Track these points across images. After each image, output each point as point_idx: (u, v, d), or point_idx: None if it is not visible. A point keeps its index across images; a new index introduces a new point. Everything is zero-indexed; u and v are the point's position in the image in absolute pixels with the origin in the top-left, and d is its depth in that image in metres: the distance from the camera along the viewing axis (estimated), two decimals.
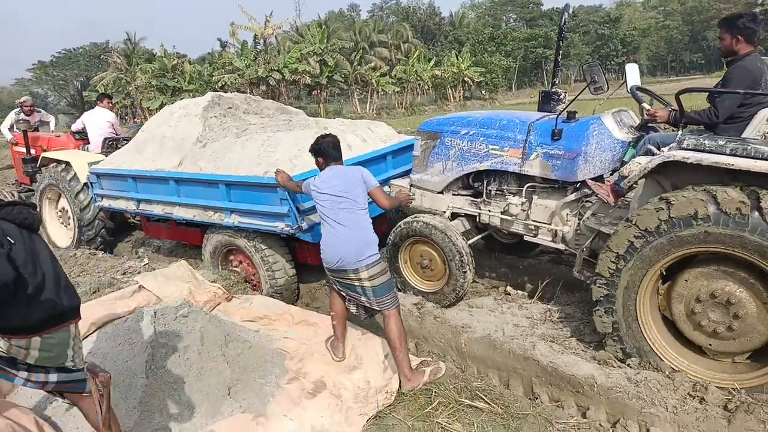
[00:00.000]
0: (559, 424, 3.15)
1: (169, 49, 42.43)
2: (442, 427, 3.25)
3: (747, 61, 3.56)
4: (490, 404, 3.38)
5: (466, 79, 47.27)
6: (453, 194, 4.88)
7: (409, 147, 6.04)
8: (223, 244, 5.52)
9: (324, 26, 40.57)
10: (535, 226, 4.34)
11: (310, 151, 3.93)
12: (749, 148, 2.95)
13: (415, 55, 45.88)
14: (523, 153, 4.24)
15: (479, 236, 5.10)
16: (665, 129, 4.45)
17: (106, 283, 5.53)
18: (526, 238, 4.46)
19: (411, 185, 5.14)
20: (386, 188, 5.47)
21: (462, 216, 4.87)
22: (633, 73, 4.13)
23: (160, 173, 5.71)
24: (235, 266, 5.60)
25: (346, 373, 3.83)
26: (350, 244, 3.61)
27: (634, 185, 3.55)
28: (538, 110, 5.21)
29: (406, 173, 5.91)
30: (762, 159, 2.88)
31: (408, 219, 4.65)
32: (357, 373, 3.81)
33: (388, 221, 6.33)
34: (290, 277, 5.27)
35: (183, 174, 5.52)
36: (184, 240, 6.70)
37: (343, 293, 3.88)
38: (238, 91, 9.61)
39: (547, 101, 5.22)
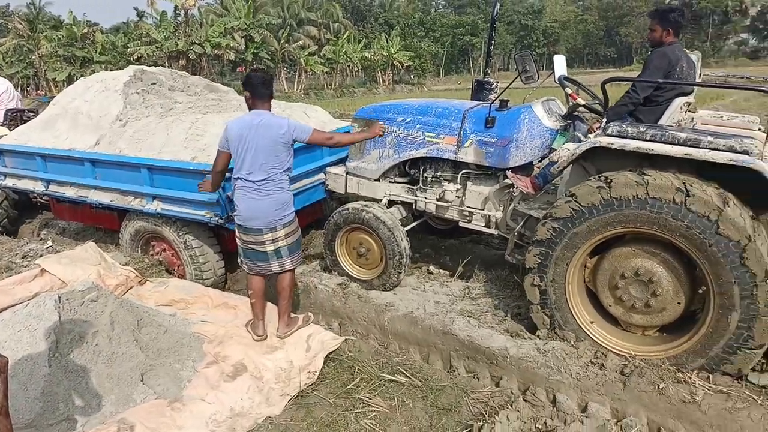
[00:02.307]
0: (474, 394, 3.29)
1: (78, 17, 39.35)
2: (363, 403, 3.31)
3: (668, 48, 3.83)
4: (410, 378, 3.47)
5: (395, 62, 47.43)
6: (390, 182, 4.88)
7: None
8: (145, 230, 5.25)
9: (250, 0, 39.11)
10: (469, 212, 4.44)
11: (243, 82, 3.78)
12: (666, 134, 3.14)
13: (344, 36, 45.40)
14: (458, 140, 4.30)
15: (415, 223, 5.13)
16: (591, 119, 4.67)
17: (3, 268, 5.13)
18: (461, 224, 4.55)
19: (347, 173, 5.09)
20: (321, 176, 5.42)
21: (398, 203, 4.88)
22: (560, 64, 4.26)
23: (74, 153, 5.29)
24: (157, 254, 5.34)
25: (268, 354, 3.79)
26: (269, 205, 3.65)
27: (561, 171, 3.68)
28: (471, 99, 5.32)
29: (342, 161, 5.87)
30: (677, 144, 3.08)
31: (357, 206, 4.58)
32: (279, 354, 3.79)
33: (327, 206, 6.29)
34: (218, 276, 5.09)
35: (101, 155, 5.14)
36: (99, 224, 6.27)
37: (253, 268, 3.89)
38: (155, 65, 9.09)
39: (479, 90, 5.33)
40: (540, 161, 4.26)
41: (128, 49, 35.52)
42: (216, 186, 3.98)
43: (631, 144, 3.19)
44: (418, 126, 4.50)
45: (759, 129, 3.70)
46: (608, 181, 3.18)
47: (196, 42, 35.38)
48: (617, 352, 3.36)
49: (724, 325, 2.97)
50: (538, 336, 3.61)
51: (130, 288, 4.62)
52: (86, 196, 5.36)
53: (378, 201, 4.75)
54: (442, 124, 4.39)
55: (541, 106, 4.20)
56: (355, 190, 5.02)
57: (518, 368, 3.38)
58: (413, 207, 4.81)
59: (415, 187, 4.74)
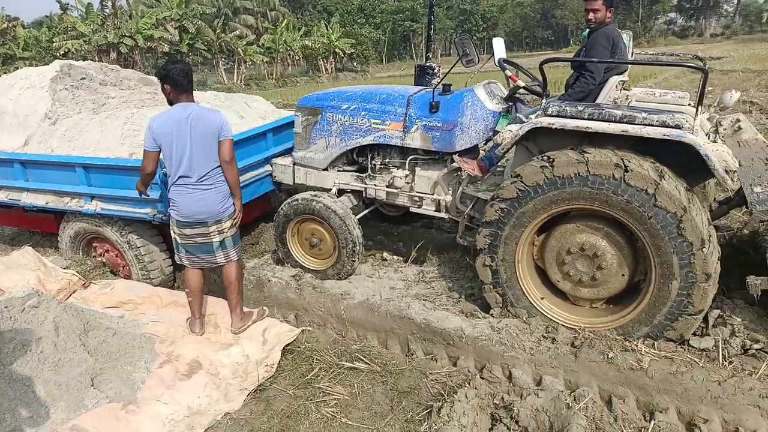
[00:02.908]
0: (433, 375, 3.35)
1: None
2: (323, 392, 3.31)
3: (609, 28, 3.91)
4: (369, 364, 3.49)
5: (337, 50, 46.93)
6: (338, 170, 4.83)
7: (291, 124, 5.85)
8: (85, 232, 5.00)
9: None
10: (419, 197, 4.45)
11: (156, 75, 3.67)
12: (603, 112, 3.23)
13: (283, 24, 44.47)
14: (404, 126, 4.30)
15: (366, 210, 5.11)
16: (532, 100, 4.77)
17: None
18: (411, 209, 4.57)
19: (294, 164, 5.01)
20: (268, 167, 5.31)
21: (349, 192, 4.85)
22: (499, 47, 4.33)
23: (1, 154, 4.99)
24: (100, 255, 5.11)
25: (223, 350, 3.73)
26: (214, 198, 3.60)
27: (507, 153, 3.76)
28: (414, 84, 5.32)
29: (288, 151, 5.76)
30: (614, 122, 3.18)
31: (306, 196, 4.51)
32: (235, 349, 3.73)
33: (276, 198, 6.18)
34: (167, 275, 4.93)
35: (31, 156, 4.86)
36: (35, 228, 5.93)
37: (196, 262, 3.81)
38: (84, 60, 8.62)
39: (422, 75, 5.33)
40: (485, 144, 4.33)
41: (54, 44, 33.44)
42: (146, 186, 3.86)
43: (570, 123, 3.28)
44: (363, 113, 4.47)
45: (689, 104, 3.90)
46: (551, 160, 3.27)
47: (127, 34, 33.75)
48: (568, 325, 3.49)
49: (666, 293, 3.14)
50: (491, 315, 3.71)
51: (74, 292, 4.42)
52: (18, 199, 5.07)
53: (328, 190, 4.72)
54: (387, 110, 4.38)
55: (483, 90, 4.25)
56: (304, 180, 4.95)
57: (474, 347, 3.46)
58: (364, 195, 4.80)
59: (364, 175, 4.73)
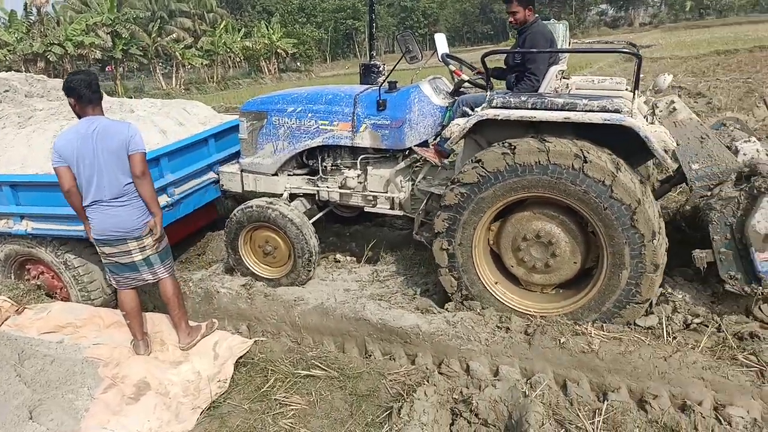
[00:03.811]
0: (392, 375, 3.32)
1: None
2: (280, 403, 3.22)
3: (540, 26, 3.96)
4: (326, 370, 3.43)
5: (279, 50, 46.26)
6: (288, 175, 4.71)
7: (234, 128, 5.67)
8: (16, 254, 4.69)
9: None
10: (373, 196, 4.40)
11: (63, 89, 3.42)
12: (546, 101, 3.29)
13: (221, 26, 43.43)
14: (352, 126, 4.24)
15: (321, 214, 4.96)
16: (476, 93, 4.78)
17: None
18: (366, 209, 4.51)
19: (242, 170, 4.84)
20: (212, 175, 5.13)
21: (300, 196, 4.73)
22: (441, 42, 4.34)
23: None
24: (34, 278, 4.80)
25: (172, 369, 3.59)
26: (129, 214, 3.42)
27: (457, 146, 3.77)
28: (360, 83, 5.26)
29: (233, 157, 5.58)
30: (557, 110, 3.23)
31: (261, 203, 4.36)
32: (184, 366, 3.59)
33: (222, 206, 5.99)
34: (109, 295, 4.66)
35: None
36: None
37: (123, 282, 3.65)
38: (9, 71, 8.14)
39: (368, 74, 5.28)
40: (435, 139, 4.33)
41: None
42: (78, 204, 3.46)
43: (515, 114, 3.32)
44: (310, 115, 4.39)
45: (626, 89, 4.01)
46: (512, 147, 3.27)
47: (55, 42, 32.10)
48: (520, 310, 3.54)
49: (616, 282, 3.22)
50: (447, 309, 3.71)
51: (6, 319, 4.14)
52: None
53: (278, 196, 4.60)
54: (334, 110, 4.32)
55: (428, 85, 4.25)
56: (253, 187, 4.81)
57: (431, 343, 3.45)
58: (316, 198, 4.71)
59: (315, 178, 4.64)
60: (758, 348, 2.89)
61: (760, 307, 3.33)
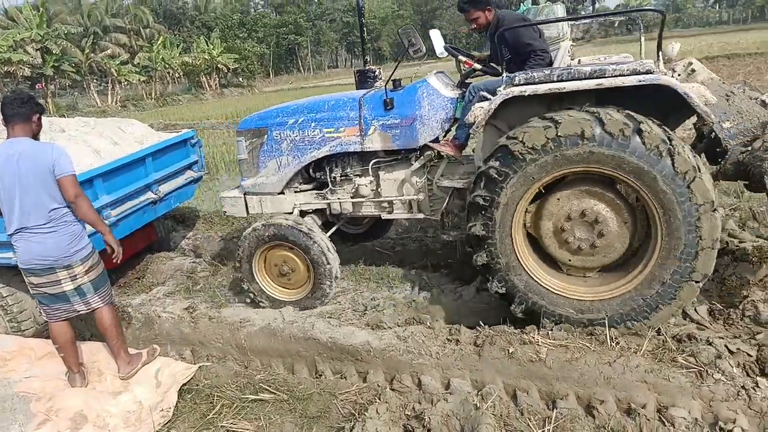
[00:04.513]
0: (343, 394, 3.25)
1: None
2: (227, 430, 3.08)
3: (508, 15, 3.91)
4: (275, 393, 3.32)
5: (220, 66, 45.52)
6: (295, 191, 4.51)
7: (173, 146, 5.49)
8: None
9: (42, 9, 34.46)
10: (388, 202, 4.26)
11: None
12: (572, 71, 3.15)
13: (159, 42, 42.33)
14: (360, 129, 4.09)
15: (330, 231, 4.67)
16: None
17: None
18: (383, 216, 4.34)
19: (245, 194, 4.59)
20: (150, 195, 4.92)
21: (311, 212, 4.52)
22: (438, 38, 4.22)
23: None
24: None
25: (112, 399, 3.39)
26: (57, 241, 3.21)
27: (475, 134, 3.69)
28: (356, 89, 5.15)
29: (174, 175, 5.37)
30: (586, 78, 3.10)
31: (279, 221, 4.15)
32: (124, 396, 3.40)
33: (162, 227, 5.76)
34: (41, 324, 4.35)
35: None
36: None
37: (53, 314, 3.43)
38: None
39: (363, 80, 5.18)
40: (445, 135, 4.22)
41: None
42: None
43: (542, 88, 3.18)
44: (313, 124, 4.22)
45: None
46: (555, 120, 3.10)
47: None
48: (571, 298, 3.38)
49: (671, 259, 3.06)
50: (397, 324, 3.69)
51: None
52: None
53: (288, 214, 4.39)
54: (339, 116, 4.16)
55: (435, 78, 4.12)
56: (259, 209, 4.57)
57: (382, 359, 3.41)
58: (327, 213, 4.52)
59: (324, 191, 4.45)
60: (696, 349, 3.00)
61: (695, 309, 3.49)
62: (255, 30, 58.11)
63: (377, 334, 3.56)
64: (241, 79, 49.83)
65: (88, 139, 4.93)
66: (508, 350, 3.18)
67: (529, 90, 3.22)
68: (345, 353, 3.53)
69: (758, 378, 2.83)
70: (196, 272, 5.40)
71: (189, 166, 5.76)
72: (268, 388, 3.37)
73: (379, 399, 3.09)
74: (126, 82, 40.31)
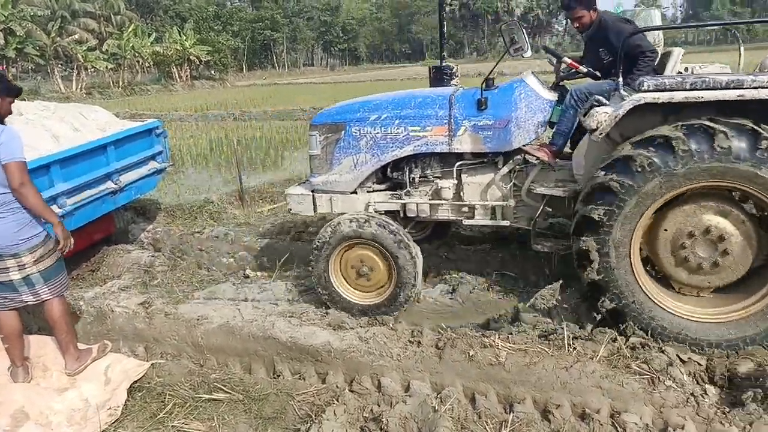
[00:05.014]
0: (300, 395, 3.19)
1: None
2: (178, 430, 2.99)
3: (612, 16, 3.83)
4: (230, 393, 3.23)
5: (192, 57, 44.71)
6: (368, 191, 4.29)
7: (137, 135, 5.31)
8: None
9: None
10: (469, 207, 4.09)
11: None
12: (707, 80, 2.99)
13: (130, 29, 41.32)
14: (449, 129, 3.89)
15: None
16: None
17: None
18: (464, 222, 4.18)
19: (313, 191, 4.36)
20: (110, 184, 4.75)
21: (383, 213, 4.21)
22: (522, 37, 3.95)
23: None
24: None
25: (56, 396, 3.25)
26: (4, 229, 3.07)
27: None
28: (430, 86, 4.98)
29: (137, 165, 5.20)
30: (722, 89, 2.96)
31: (355, 217, 3.90)
32: (70, 393, 3.26)
33: (121, 219, 5.58)
34: None
35: None
36: None
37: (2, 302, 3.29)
38: None
39: (439, 77, 5.02)
40: (535, 138, 4.03)
41: None
42: None
43: (678, 96, 3.02)
44: (397, 121, 4.01)
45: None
46: (708, 132, 2.93)
47: None
48: (693, 320, 3.27)
49: None
50: (359, 325, 3.65)
51: None
52: None
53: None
54: (427, 114, 3.95)
55: (533, 78, 3.92)
56: (328, 208, 4.34)
57: (343, 360, 3.37)
58: (399, 216, 4.27)
59: (401, 192, 4.23)
60: (649, 356, 3.06)
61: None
62: (230, 23, 57.37)
63: (339, 335, 3.51)
64: (213, 72, 49.06)
65: (47, 124, 4.75)
66: (469, 353, 3.18)
67: (663, 98, 3.04)
68: (305, 353, 3.47)
69: (707, 386, 2.91)
70: (154, 266, 5.25)
71: (153, 157, 5.61)
72: (223, 387, 3.29)
73: (338, 401, 3.05)
74: (93, 69, 39.22)
